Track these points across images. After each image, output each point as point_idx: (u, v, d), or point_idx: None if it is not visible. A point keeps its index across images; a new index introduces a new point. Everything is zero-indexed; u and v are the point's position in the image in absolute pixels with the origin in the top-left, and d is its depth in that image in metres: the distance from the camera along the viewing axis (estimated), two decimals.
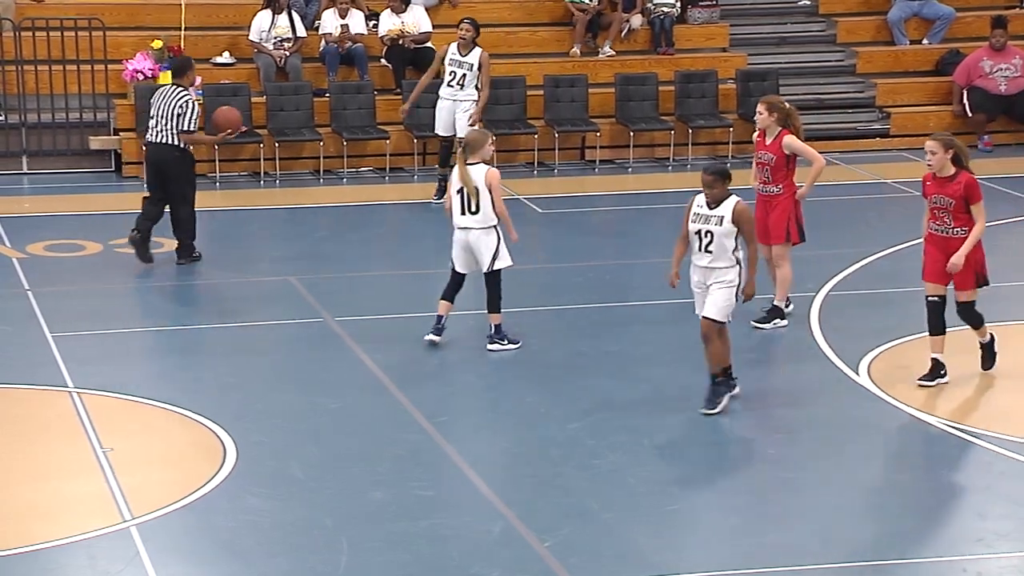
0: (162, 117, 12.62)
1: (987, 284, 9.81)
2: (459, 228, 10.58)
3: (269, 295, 12.08)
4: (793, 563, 7.59)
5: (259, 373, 10.41)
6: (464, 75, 14.77)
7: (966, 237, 9.60)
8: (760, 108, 11.14)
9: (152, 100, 12.90)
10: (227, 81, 16.35)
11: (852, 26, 18.66)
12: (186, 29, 16.32)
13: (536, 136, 16.60)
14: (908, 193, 15.54)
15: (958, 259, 9.58)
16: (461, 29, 14.84)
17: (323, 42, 16.77)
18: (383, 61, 16.91)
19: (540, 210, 15.10)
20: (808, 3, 19.00)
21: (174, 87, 12.75)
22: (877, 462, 8.97)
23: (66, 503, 8.27)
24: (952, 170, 9.65)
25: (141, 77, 16.02)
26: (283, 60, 16.52)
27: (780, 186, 11.11)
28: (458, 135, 15.13)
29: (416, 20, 16.80)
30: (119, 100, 16.20)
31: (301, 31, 16.67)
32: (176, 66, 13.26)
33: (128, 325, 11.30)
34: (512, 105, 16.80)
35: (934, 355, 9.92)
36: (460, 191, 10.47)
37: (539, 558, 7.61)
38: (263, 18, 16.58)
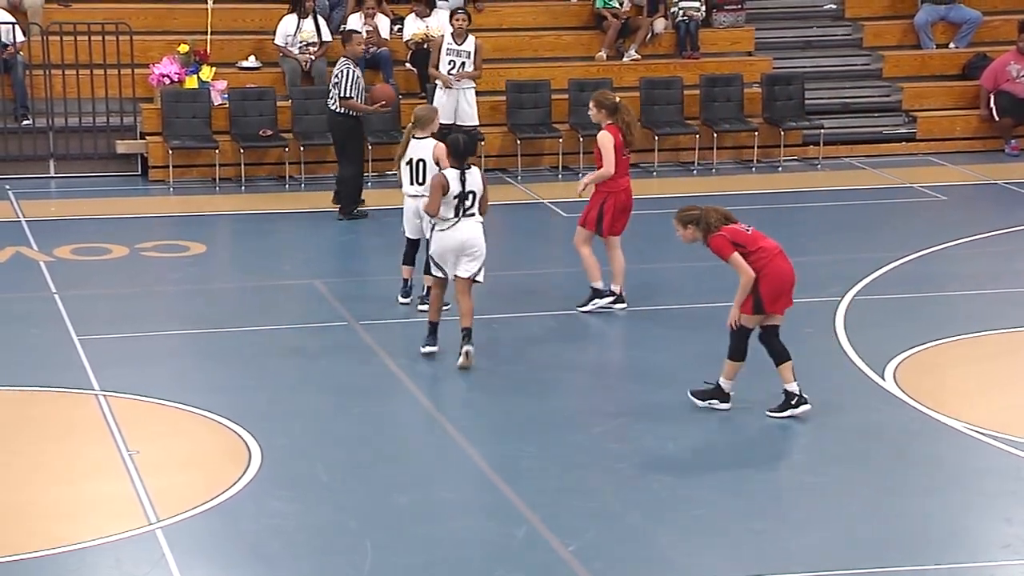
0: (331, 86, 14.24)
1: (762, 312, 9.42)
2: (408, 196, 11.33)
3: (293, 298, 12.12)
4: (818, 568, 7.57)
5: (284, 376, 10.44)
6: (463, 63, 15.47)
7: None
8: (590, 104, 11.59)
9: None
10: (252, 85, 16.40)
11: (878, 30, 18.60)
12: (212, 33, 16.38)
13: (561, 140, 16.60)
14: (934, 198, 15.49)
15: (731, 317, 9.50)
16: (456, 20, 15.67)
17: None
18: (408, 65, 16.94)
19: (564, 214, 15.09)
20: (834, 7, 18.94)
21: (340, 59, 14.30)
22: (902, 467, 8.93)
23: (92, 505, 8.30)
24: (700, 237, 9.42)
25: (168, 81, 16.09)
26: (308, 64, 16.56)
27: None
28: (458, 122, 15.32)
29: (440, 24, 16.81)
30: (146, 104, 16.27)
31: (327, 35, 16.71)
32: (342, 36, 14.81)
33: (154, 328, 11.35)
34: (537, 109, 16.81)
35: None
36: (409, 162, 11.23)
37: (563, 562, 7.61)
38: (289, 23, 16.63)
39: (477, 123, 15.85)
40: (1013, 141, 17.58)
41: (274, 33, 16.71)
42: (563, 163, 16.68)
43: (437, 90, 15.60)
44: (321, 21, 16.71)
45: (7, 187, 15.59)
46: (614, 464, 8.81)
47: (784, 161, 17.06)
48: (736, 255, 9.32)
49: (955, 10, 18.53)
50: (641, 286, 12.55)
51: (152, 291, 12.33)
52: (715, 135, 16.89)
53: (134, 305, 11.94)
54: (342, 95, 14.06)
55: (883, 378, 10.22)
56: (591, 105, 11.59)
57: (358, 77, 14.22)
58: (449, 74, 15.47)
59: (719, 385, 9.63)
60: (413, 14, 16.90)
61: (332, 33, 16.79)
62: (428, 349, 10.57)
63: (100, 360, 10.46)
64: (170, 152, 15.76)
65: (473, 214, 10.35)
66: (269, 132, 15.95)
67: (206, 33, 16.27)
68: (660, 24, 17.81)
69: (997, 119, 17.56)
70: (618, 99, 11.55)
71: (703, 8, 17.86)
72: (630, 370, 10.43)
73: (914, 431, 9.43)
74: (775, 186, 16.27)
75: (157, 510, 8.13)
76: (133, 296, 12.16)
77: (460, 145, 10.42)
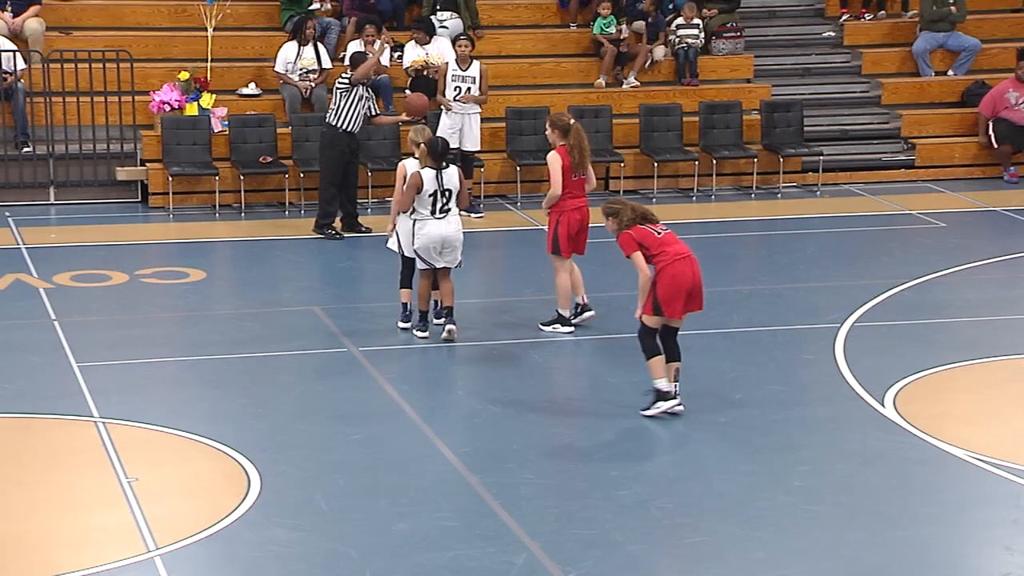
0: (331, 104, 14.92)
1: (660, 314, 9.86)
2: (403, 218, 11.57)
3: (293, 324, 12.11)
4: None
5: (284, 403, 10.43)
6: (468, 88, 15.65)
7: (653, 279, 9.85)
8: (546, 124, 11.87)
9: None
10: (253, 112, 16.44)
11: (877, 57, 18.66)
12: (213, 60, 16.43)
13: None
14: (933, 224, 15.50)
15: (637, 314, 10.00)
16: (459, 45, 15.84)
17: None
18: (408, 92, 16.96)
19: None
20: (833, 34, 19.01)
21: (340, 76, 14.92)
22: (903, 495, 8.91)
23: (91, 533, 8.28)
24: (615, 231, 10.01)
25: (168, 108, 16.13)
26: (308, 91, 16.61)
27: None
28: (464, 147, 15.42)
29: (440, 51, 16.86)
30: (146, 131, 16.30)
31: (327, 63, 16.76)
32: (352, 61, 15.12)
33: (153, 355, 11.34)
34: (536, 136, 16.82)
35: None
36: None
37: None
38: (289, 50, 16.68)
39: (479, 148, 15.92)
40: (1012, 168, 17.61)
41: (274, 60, 16.76)
42: None
43: (443, 115, 15.70)
44: (321, 48, 16.75)
45: (7, 214, 15.60)
46: (614, 491, 8.80)
47: (783, 188, 17.09)
48: (637, 254, 9.85)
49: (953, 37, 18.60)
50: (634, 312, 12.54)
51: (152, 318, 12.33)
52: (714, 162, 16.92)
53: (134, 332, 11.93)
54: (338, 115, 14.57)
55: (883, 405, 10.22)
56: (546, 125, 11.83)
57: (362, 98, 14.64)
58: (455, 100, 15.61)
59: (655, 389, 9.88)
60: (413, 41, 16.95)
61: (332, 60, 16.84)
62: (421, 334, 11.45)
63: (99, 387, 10.44)
64: (170, 179, 15.78)
65: (450, 209, 11.23)
66: (269, 159, 15.98)
67: (206, 60, 16.31)
68: (660, 51, 17.87)
69: (996, 146, 17.60)
70: (572, 121, 11.73)
71: (702, 35, 17.92)
72: (630, 396, 10.41)
73: (914, 459, 9.42)
74: (774, 213, 16.30)
75: (156, 538, 8.11)
76: (133, 323, 12.15)
77: (438, 146, 11.25)
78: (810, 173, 17.26)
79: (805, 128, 17.39)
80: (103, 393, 10.32)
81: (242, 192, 15.85)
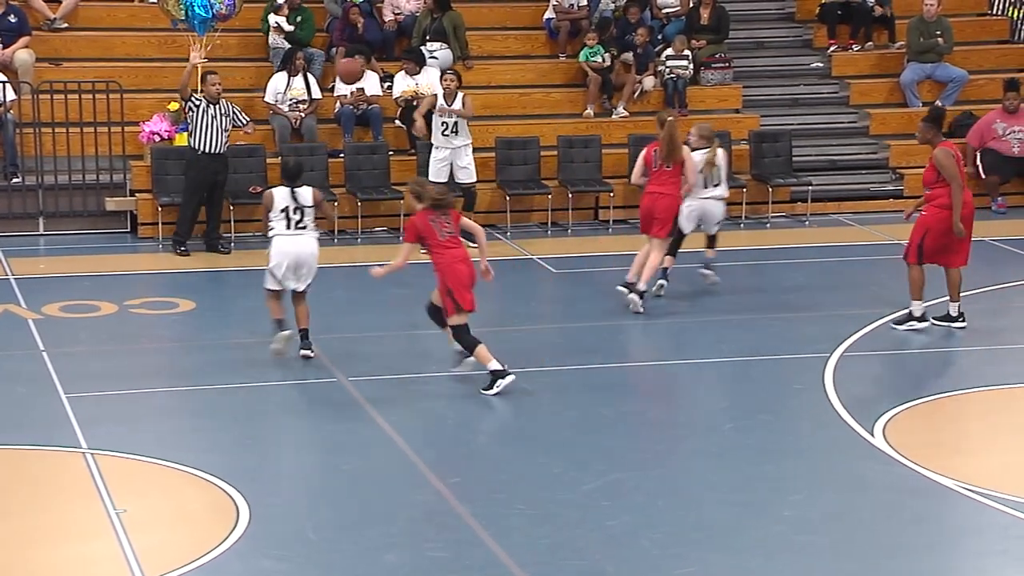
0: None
1: (460, 311, 10.90)
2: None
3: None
4: None
5: (273, 434, 10.40)
6: (456, 123, 15.57)
7: (441, 280, 11.01)
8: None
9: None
10: (242, 143, 16.44)
11: (865, 88, 18.75)
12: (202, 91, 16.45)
13: (550, 196, 16.66)
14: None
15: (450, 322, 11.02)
16: (445, 80, 15.80)
17: (338, 104, 16.89)
18: (397, 122, 17.02)
19: (554, 270, 15.12)
20: (821, 65, 19.11)
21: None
22: (893, 525, 8.91)
23: (79, 565, 8.24)
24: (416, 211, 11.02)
25: (158, 139, 16.15)
26: (298, 121, 16.64)
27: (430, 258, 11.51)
28: (457, 180, 15.47)
29: (430, 81, 16.92)
30: (136, 162, 16.31)
31: (316, 93, 16.80)
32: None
33: (142, 385, 11.31)
34: (526, 166, 16.88)
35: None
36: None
37: None
38: (279, 80, 16.72)
39: (474, 180, 15.92)
40: (1000, 199, 17.68)
41: (264, 91, 16.79)
42: (552, 219, 16.73)
43: (433, 150, 15.70)
44: (311, 79, 16.79)
45: None
46: (605, 521, 8.78)
47: (772, 217, 17.13)
48: (408, 245, 10.95)
49: (941, 68, 18.70)
50: (631, 342, 12.56)
51: (141, 348, 12.30)
52: None
53: (123, 362, 11.91)
54: (193, 137, 15.02)
55: (872, 435, 10.22)
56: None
57: (214, 116, 14.96)
58: (444, 135, 15.60)
59: (490, 372, 10.82)
60: (403, 71, 17.00)
61: (321, 91, 16.88)
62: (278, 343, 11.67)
63: (88, 418, 10.41)
64: (159, 209, 15.78)
65: (305, 227, 11.61)
66: (259, 189, 15.96)
67: (196, 91, 16.34)
68: (649, 82, 17.94)
69: (983, 177, 17.67)
70: (669, 117, 13.27)
71: (691, 66, 17.99)
72: (621, 426, 10.41)
73: (905, 488, 9.42)
74: (763, 242, 16.33)
75: (144, 569, 8.07)
76: (122, 353, 12.12)
77: (289, 166, 11.91)
78: (799, 203, 17.32)
79: (793, 158, 17.45)
80: (92, 424, 10.29)
81: (232, 222, 15.84)
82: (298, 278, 11.63)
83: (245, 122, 15.40)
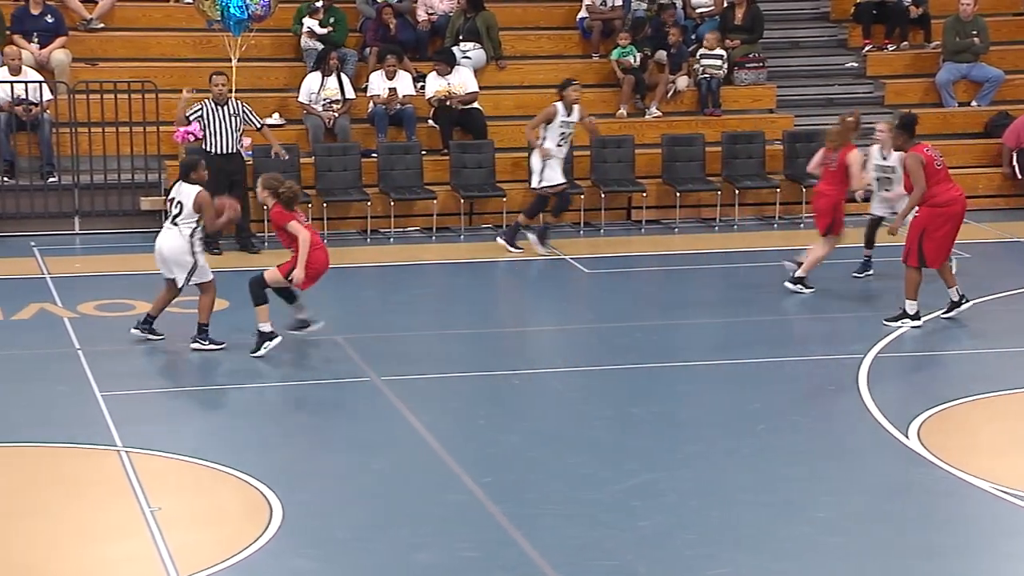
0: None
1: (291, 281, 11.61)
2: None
3: (316, 354, 12.13)
4: None
5: (305, 432, 10.43)
6: (571, 134, 15.36)
7: (294, 255, 11.66)
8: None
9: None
10: (277, 142, 16.51)
11: (900, 88, 18.65)
12: (237, 91, 16.50)
13: (583, 196, 16.64)
14: (957, 255, 15.41)
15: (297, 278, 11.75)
16: (573, 90, 15.23)
17: (371, 104, 16.93)
18: (431, 122, 17.04)
19: (586, 270, 15.11)
20: (855, 65, 19.02)
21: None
22: (926, 527, 8.86)
23: (113, 563, 8.29)
24: (271, 205, 11.62)
25: (192, 139, 16.20)
26: (332, 121, 16.68)
27: (292, 248, 11.80)
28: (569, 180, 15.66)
29: (463, 81, 16.94)
30: (170, 161, 16.38)
31: (350, 93, 16.84)
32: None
33: (176, 384, 11.37)
34: None
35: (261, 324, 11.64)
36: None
37: None
38: (313, 80, 16.77)
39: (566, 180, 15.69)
40: None
41: (298, 91, 16.85)
42: (585, 219, 16.71)
43: (548, 162, 15.15)
44: (344, 79, 16.83)
45: (32, 244, 15.70)
46: (636, 522, 8.77)
47: (806, 218, 17.06)
48: (295, 223, 11.61)
49: (977, 68, 18.58)
50: (663, 342, 12.53)
51: (174, 347, 12.36)
52: (736, 192, 16.92)
53: (157, 361, 11.97)
54: (205, 139, 15.18)
55: (907, 436, 10.16)
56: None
57: (222, 118, 15.16)
58: (558, 145, 15.16)
59: (260, 332, 11.58)
60: (435, 72, 17.01)
61: (355, 90, 16.92)
62: (135, 332, 12.08)
63: (123, 416, 10.47)
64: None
65: (176, 224, 11.89)
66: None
67: (231, 91, 16.39)
68: (682, 81, 17.90)
69: (1020, 177, 17.55)
70: (848, 118, 13.78)
71: (725, 66, 17.94)
72: (653, 426, 10.39)
73: (940, 491, 9.36)
74: (797, 243, 16.22)
75: (178, 567, 8.11)
76: (156, 352, 12.19)
77: (183, 161, 12.48)
78: None
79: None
80: (126, 422, 10.35)
81: (265, 221, 15.88)
82: (168, 270, 11.95)
83: (259, 124, 15.40)
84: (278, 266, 11.84)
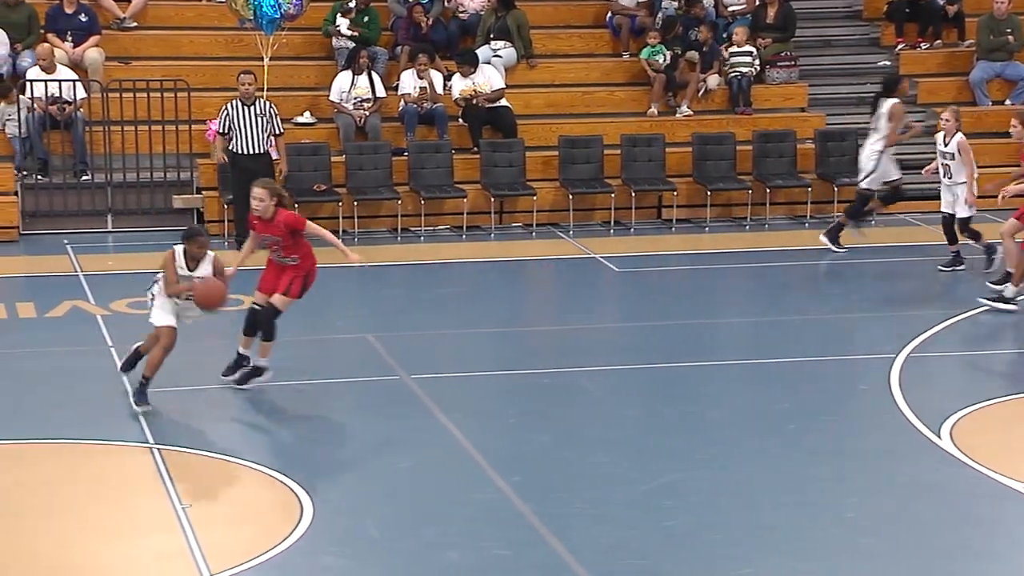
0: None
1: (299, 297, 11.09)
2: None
3: (346, 352, 12.17)
4: None
5: (335, 431, 10.47)
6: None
7: (296, 264, 10.99)
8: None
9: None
10: (307, 140, 16.58)
11: (933, 87, 18.55)
12: (268, 90, 16.57)
13: (613, 195, 16.63)
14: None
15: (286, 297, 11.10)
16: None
17: (402, 102, 16.96)
18: (460, 121, 17.06)
19: (617, 269, 15.10)
20: (888, 63, 18.92)
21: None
22: (957, 528, 8.82)
23: (146, 559, 8.33)
24: (272, 212, 10.86)
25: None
26: (363, 120, 16.73)
27: (295, 257, 11.13)
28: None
29: (488, 79, 16.96)
30: (202, 160, 16.46)
31: (381, 91, 16.88)
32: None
33: (208, 382, 11.41)
34: (589, 164, 16.86)
35: (241, 350, 11.11)
36: None
37: None
38: (343, 79, 16.81)
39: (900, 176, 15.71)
40: None
41: (329, 89, 16.90)
42: (615, 218, 16.70)
43: (883, 155, 15.42)
44: (375, 77, 16.87)
45: (65, 241, 15.80)
46: (664, 521, 8.76)
47: (837, 217, 16.98)
48: (311, 224, 11.05)
49: (1011, 67, 18.46)
50: (693, 341, 12.51)
51: (206, 345, 12.41)
52: (768, 191, 16.87)
53: (188, 359, 12.00)
54: (233, 139, 15.12)
55: (939, 437, 10.11)
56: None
57: (248, 118, 15.11)
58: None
59: (259, 368, 10.96)
60: (459, 73, 17.03)
61: (386, 89, 16.96)
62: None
63: (155, 413, 10.53)
64: (225, 207, 15.92)
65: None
66: (323, 187, 16.09)
67: (262, 89, 16.46)
68: (713, 80, 17.86)
69: None
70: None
71: (756, 64, 17.89)
72: (682, 425, 10.38)
73: (972, 492, 9.31)
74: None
75: (210, 564, 8.15)
76: (187, 350, 12.22)
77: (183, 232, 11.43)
78: None
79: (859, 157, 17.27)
80: (158, 419, 10.41)
81: None
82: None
83: (280, 131, 15.37)
84: (282, 293, 11.02)
